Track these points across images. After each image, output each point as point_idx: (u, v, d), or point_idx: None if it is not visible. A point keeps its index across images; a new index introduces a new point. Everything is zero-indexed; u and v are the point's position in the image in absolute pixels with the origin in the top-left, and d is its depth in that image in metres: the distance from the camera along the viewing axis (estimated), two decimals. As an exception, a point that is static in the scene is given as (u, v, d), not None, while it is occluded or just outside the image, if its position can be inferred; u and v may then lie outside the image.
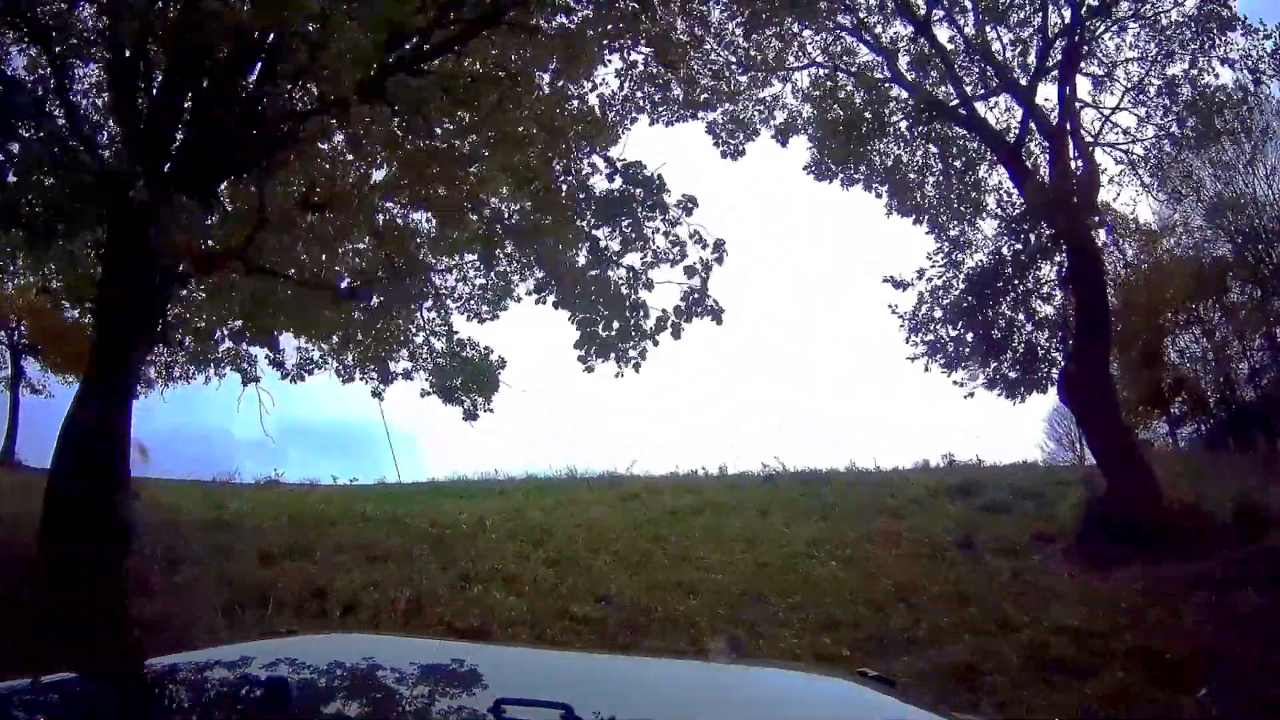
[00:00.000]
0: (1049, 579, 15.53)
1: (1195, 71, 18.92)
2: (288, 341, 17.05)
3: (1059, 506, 19.60)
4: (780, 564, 15.31)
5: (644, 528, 17.59)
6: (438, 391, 16.21)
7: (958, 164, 20.15)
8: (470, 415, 16.10)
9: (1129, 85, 19.72)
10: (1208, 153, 22.25)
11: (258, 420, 16.40)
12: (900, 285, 19.23)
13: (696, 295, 14.20)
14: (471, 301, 16.94)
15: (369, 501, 20.02)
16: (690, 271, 14.24)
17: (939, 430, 46.24)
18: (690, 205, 14.27)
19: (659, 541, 16.63)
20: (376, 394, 17.18)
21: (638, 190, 13.86)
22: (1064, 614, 13.16)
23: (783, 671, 4.67)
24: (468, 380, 15.82)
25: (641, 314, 14.18)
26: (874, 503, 20.48)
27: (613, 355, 14.18)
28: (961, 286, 18.89)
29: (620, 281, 13.96)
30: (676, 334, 14.39)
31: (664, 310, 14.53)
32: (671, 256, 14.21)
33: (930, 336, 19.11)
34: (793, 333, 52.04)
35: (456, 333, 16.42)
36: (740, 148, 19.53)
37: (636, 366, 14.53)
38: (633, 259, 14.37)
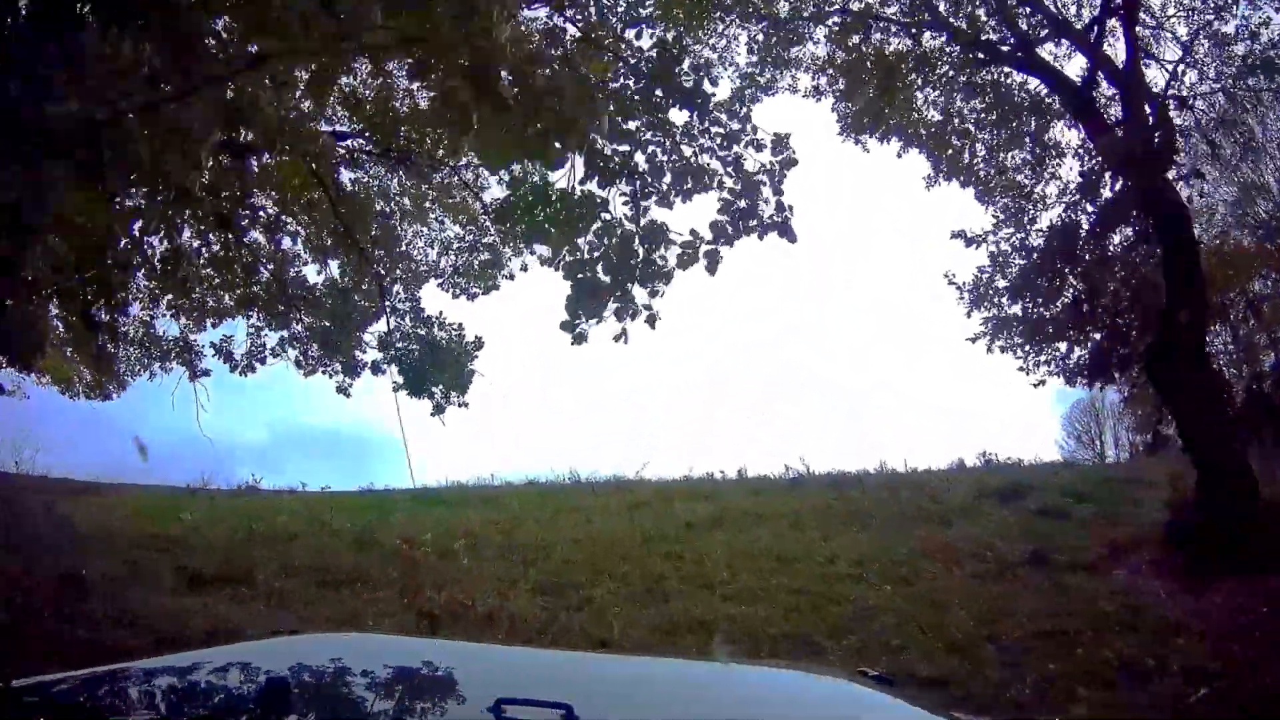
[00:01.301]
0: (1151, 602, 11.99)
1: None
2: (236, 328, 13.47)
3: (1125, 510, 16.40)
4: (824, 590, 11.83)
5: (655, 543, 14.18)
6: (406, 383, 12.58)
7: (1015, 117, 16.25)
8: (439, 409, 12.50)
9: (1191, 29, 15.91)
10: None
11: (257, 423, 13.07)
12: (972, 241, 15.48)
13: (744, 206, 8.82)
14: (456, 276, 13.27)
15: (345, 512, 16.92)
16: (750, 185, 8.92)
17: (954, 409, 41.31)
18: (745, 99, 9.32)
19: (673, 561, 13.18)
20: (343, 390, 13.68)
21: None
22: (1196, 653, 9.71)
23: (783, 671, 4.31)
24: (435, 367, 12.16)
25: (656, 244, 8.88)
26: (916, 509, 17.09)
27: (610, 310, 8.79)
28: (1030, 251, 15.08)
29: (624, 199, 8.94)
30: (712, 266, 8.81)
31: (692, 233, 8.98)
32: (719, 174, 9.10)
33: (994, 311, 15.29)
34: (809, 299, 46.87)
35: (424, 309, 12.74)
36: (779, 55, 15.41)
37: (652, 321, 9.01)
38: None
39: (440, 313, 13.20)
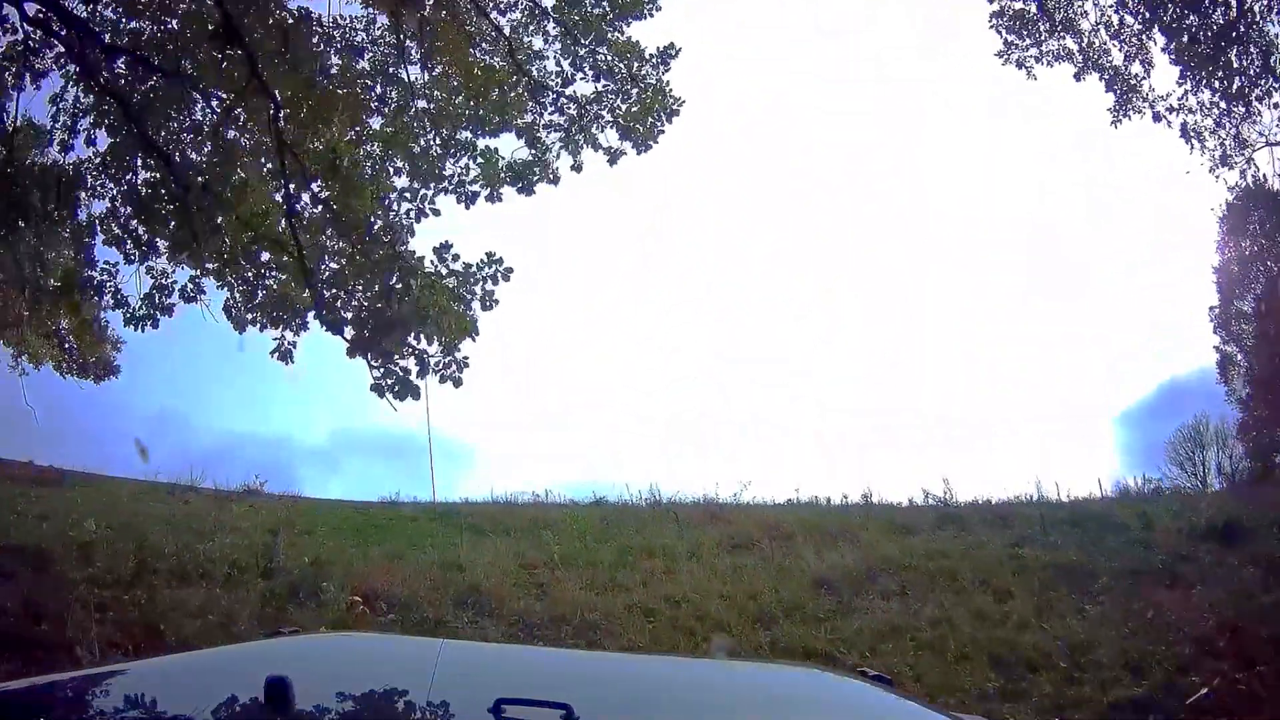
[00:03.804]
0: None
1: None
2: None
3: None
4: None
5: (778, 623, 8.39)
6: (363, 337, 6.82)
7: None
8: (400, 385, 6.81)
9: None
10: None
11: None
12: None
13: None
14: (441, 157, 7.61)
15: (327, 534, 12.05)
16: None
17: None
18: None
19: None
20: (283, 353, 8.12)
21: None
22: None
23: (783, 670, 4.06)
24: (402, 303, 6.40)
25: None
26: (1129, 559, 11.54)
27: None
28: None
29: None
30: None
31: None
32: None
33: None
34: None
35: (341, 163, 6.92)
36: None
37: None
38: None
39: (372, 174, 7.22)
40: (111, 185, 8.47)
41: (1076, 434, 29.53)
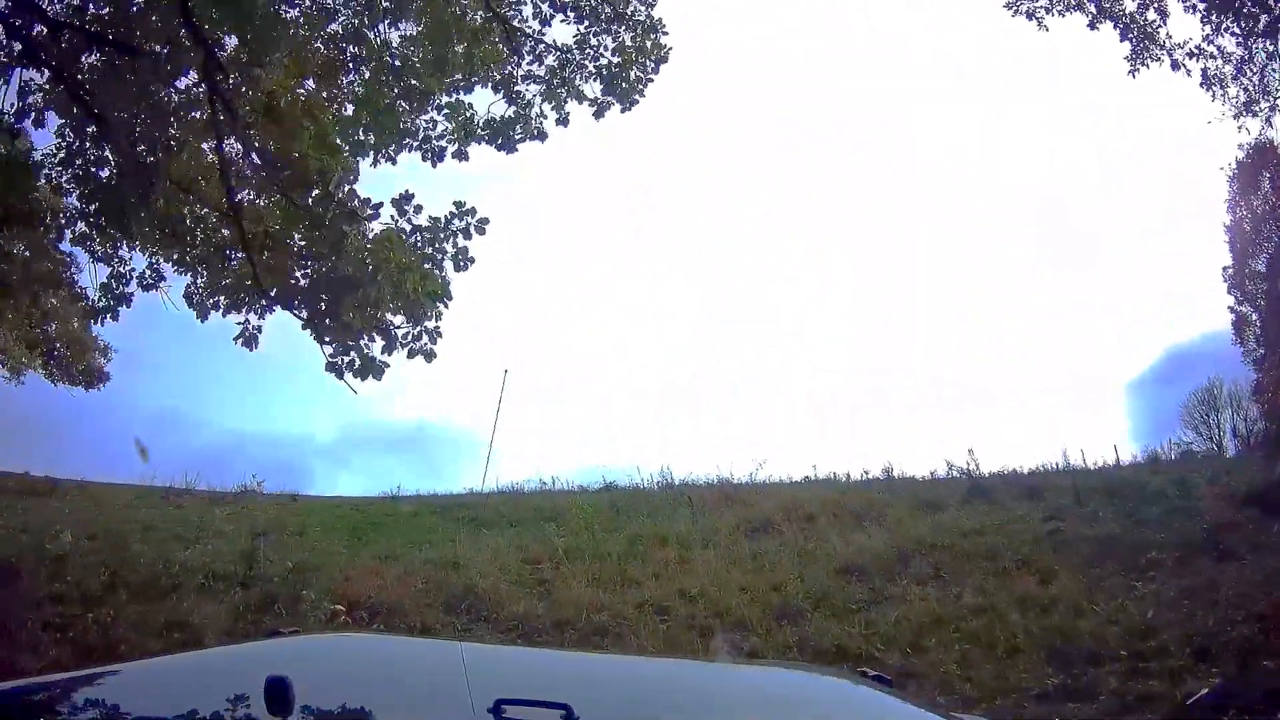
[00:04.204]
0: None
1: None
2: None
3: None
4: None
5: (806, 618, 7.63)
6: (319, 311, 6.03)
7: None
8: (362, 363, 6.02)
9: None
10: None
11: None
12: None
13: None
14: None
15: (320, 535, 11.44)
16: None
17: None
18: None
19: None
20: (248, 338, 7.39)
21: None
22: None
23: (782, 670, 4.06)
24: (348, 259, 5.64)
25: None
26: (1173, 530, 10.72)
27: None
28: None
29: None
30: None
31: None
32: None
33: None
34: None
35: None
36: None
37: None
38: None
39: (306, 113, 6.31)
40: (62, 170, 7.77)
41: (1089, 399, 28.88)
